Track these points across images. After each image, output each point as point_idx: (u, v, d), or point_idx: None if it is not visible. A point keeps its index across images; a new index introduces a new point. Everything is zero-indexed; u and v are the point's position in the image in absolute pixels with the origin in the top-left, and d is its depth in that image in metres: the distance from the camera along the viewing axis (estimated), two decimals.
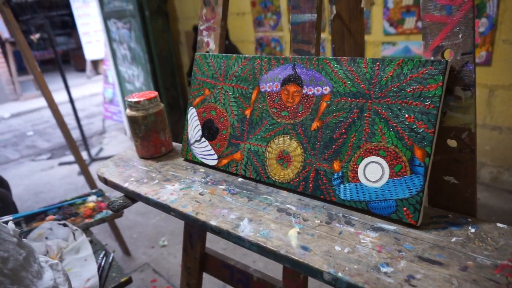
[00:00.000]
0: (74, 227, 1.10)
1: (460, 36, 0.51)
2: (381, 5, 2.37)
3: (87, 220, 1.26)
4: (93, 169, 3.05)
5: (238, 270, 0.92)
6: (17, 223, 1.25)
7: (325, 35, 2.67)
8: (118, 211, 0.75)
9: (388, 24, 2.38)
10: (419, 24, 2.29)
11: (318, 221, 0.57)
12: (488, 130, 2.26)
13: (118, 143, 4.04)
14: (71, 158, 3.71)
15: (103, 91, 4.26)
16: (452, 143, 0.55)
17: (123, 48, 3.53)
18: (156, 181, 0.76)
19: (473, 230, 0.52)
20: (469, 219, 0.54)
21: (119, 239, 2.12)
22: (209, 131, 0.78)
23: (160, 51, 3.35)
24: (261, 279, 0.87)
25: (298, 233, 0.55)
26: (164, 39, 3.37)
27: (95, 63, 7.82)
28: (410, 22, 2.30)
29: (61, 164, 3.62)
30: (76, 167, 3.44)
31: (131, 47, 3.42)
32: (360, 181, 0.58)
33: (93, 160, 3.54)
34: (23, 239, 0.74)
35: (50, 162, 3.75)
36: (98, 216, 1.29)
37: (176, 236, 2.26)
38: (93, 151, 3.79)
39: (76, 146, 2.00)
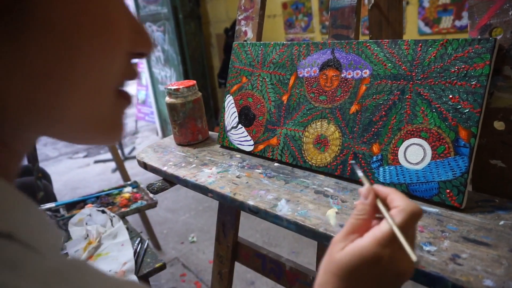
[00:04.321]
0: (112, 214, 1.14)
1: (510, 13, 0.50)
2: (416, 4, 2.32)
3: (123, 209, 1.31)
4: (127, 166, 3.15)
5: (270, 259, 0.92)
6: (56, 210, 1.31)
7: None
8: (157, 193, 0.78)
9: (424, 23, 2.32)
10: (456, 23, 2.22)
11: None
12: None
13: (150, 143, 4.16)
14: (105, 156, 3.86)
15: (136, 93, 4.41)
16: (500, 125, 0.53)
17: (156, 50, 3.64)
18: (194, 165, 0.78)
19: None
20: None
21: (150, 234, 2.17)
22: (246, 118, 0.79)
23: (192, 53, 3.44)
24: (294, 268, 0.87)
25: (337, 213, 0.55)
26: (197, 41, 3.45)
27: None
28: (446, 21, 2.23)
29: (96, 162, 3.76)
30: (110, 165, 3.57)
31: (164, 49, 3.53)
32: (400, 164, 0.57)
33: (126, 158, 3.67)
34: None
35: (86, 160, 3.91)
36: (134, 206, 1.33)
37: (205, 233, 2.29)
38: (126, 150, 3.92)
39: None
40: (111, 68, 0.25)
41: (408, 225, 0.34)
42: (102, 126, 0.27)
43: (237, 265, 1.02)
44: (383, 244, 0.34)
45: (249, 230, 2.22)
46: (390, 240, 0.34)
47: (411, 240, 0.35)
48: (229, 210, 0.97)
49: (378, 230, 0.35)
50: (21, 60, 0.20)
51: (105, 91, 0.26)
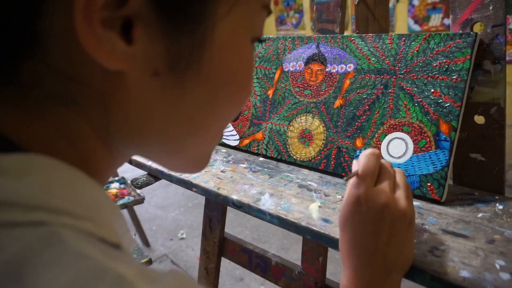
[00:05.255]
0: None
1: (490, 8, 0.50)
2: (406, 2, 2.33)
3: None
4: None
5: (256, 254, 0.92)
6: None
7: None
8: (141, 188, 0.77)
9: (413, 21, 2.34)
10: (445, 21, 2.24)
11: (340, 197, 0.57)
12: None
13: None
14: None
15: None
16: (480, 119, 0.54)
17: None
18: None
19: (501, 207, 0.50)
20: (497, 197, 0.53)
21: (139, 230, 2.16)
22: None
23: None
24: (280, 263, 0.87)
25: (319, 207, 0.55)
26: None
27: None
28: (436, 19, 2.25)
29: None
30: None
31: None
32: (383, 158, 0.57)
33: None
34: None
35: None
36: (121, 202, 1.32)
37: (195, 230, 2.28)
38: None
39: None
40: (235, 115, 0.29)
41: (368, 166, 0.40)
42: (201, 160, 0.31)
43: (226, 262, 1.02)
44: (355, 185, 0.39)
45: (239, 226, 2.22)
46: (359, 180, 0.39)
47: (387, 176, 0.41)
48: (216, 206, 0.97)
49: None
50: (178, 104, 0.24)
51: (221, 133, 0.31)
